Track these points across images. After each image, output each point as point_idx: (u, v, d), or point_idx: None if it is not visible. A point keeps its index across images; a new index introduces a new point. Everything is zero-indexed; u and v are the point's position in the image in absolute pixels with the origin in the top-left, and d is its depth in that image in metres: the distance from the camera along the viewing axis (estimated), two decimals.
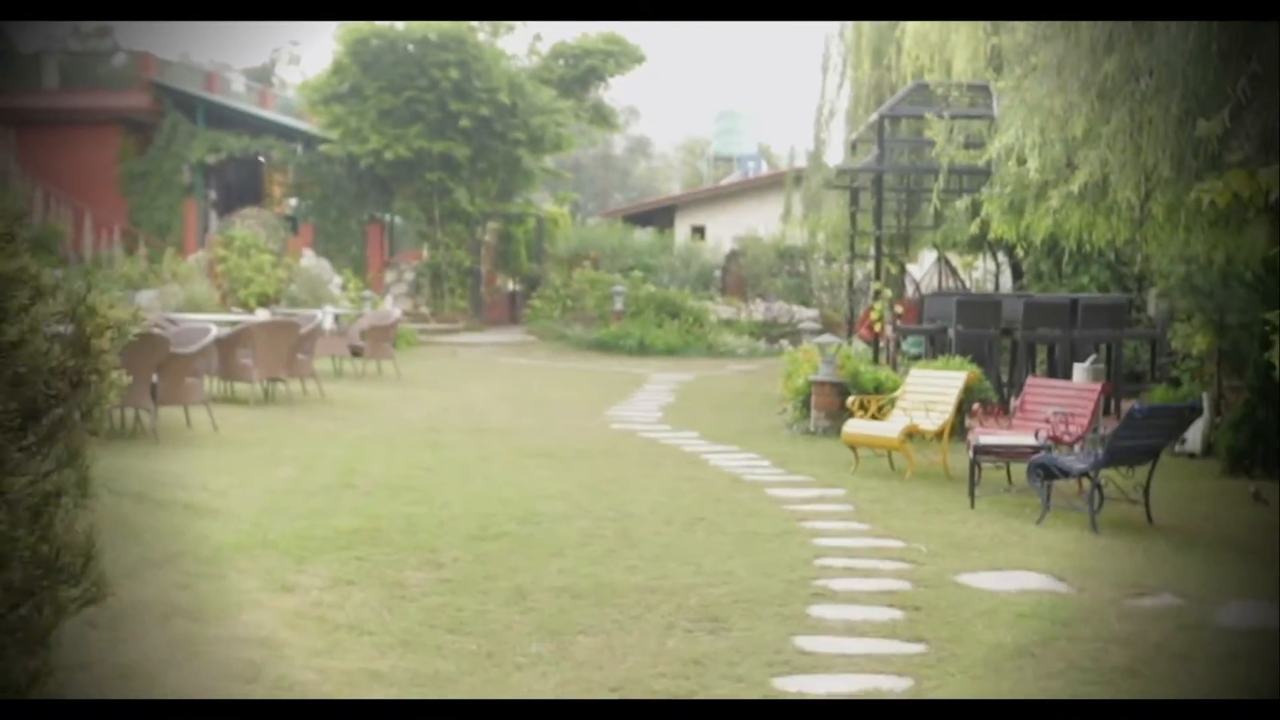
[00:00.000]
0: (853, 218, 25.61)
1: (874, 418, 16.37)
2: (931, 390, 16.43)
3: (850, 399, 17.23)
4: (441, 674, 7.35)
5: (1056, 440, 13.92)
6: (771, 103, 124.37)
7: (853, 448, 16.00)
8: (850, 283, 28.19)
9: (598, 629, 8.45)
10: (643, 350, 33.44)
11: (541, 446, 16.91)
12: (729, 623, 8.66)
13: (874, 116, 22.82)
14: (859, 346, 23.13)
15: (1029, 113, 13.13)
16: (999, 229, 16.82)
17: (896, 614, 9.00)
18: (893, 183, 23.90)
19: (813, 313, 38.19)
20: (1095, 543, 11.60)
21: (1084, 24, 11.53)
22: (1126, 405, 15.81)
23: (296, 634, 8.00)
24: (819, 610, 9.09)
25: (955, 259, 28.79)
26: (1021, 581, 10.04)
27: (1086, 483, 12.60)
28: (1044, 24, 12.68)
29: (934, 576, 10.14)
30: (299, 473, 14.12)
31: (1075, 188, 12.75)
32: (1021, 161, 13.95)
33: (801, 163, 37.73)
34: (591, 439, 18.21)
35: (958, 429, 16.05)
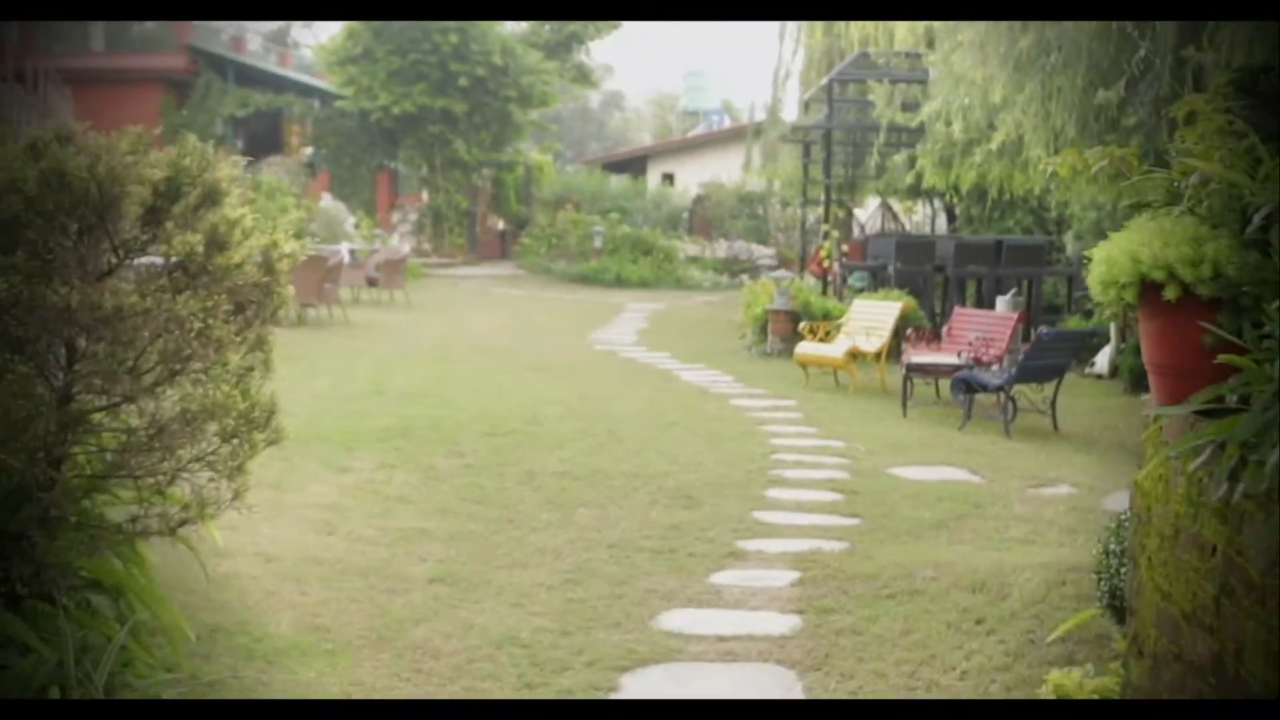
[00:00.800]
0: (805, 168, 26.26)
1: (822, 341, 17.20)
2: (872, 318, 17.25)
3: (802, 325, 18.05)
4: (475, 532, 8.28)
5: (978, 360, 14.69)
6: (734, 63, 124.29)
7: (803, 366, 16.83)
8: (803, 225, 28.74)
9: (594, 503, 9.36)
10: (619, 283, 33.93)
11: (537, 363, 17.67)
12: (700, 500, 9.57)
13: (824, 80, 23.46)
14: (810, 280, 23.72)
15: (955, 82, 13.86)
16: (931, 179, 17.56)
17: (837, 496, 9.90)
18: (840, 138, 24.43)
19: (769, 251, 38.49)
20: (1007, 445, 12.46)
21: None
22: None
23: (357, 502, 8.93)
24: (774, 492, 10.00)
25: (896, 204, 29.23)
26: (942, 474, 10.93)
27: (1002, 396, 13.50)
28: None
29: (869, 469, 11.04)
30: (336, 382, 14.93)
31: (994, 146, 13.50)
32: (949, 123, 14.66)
33: (761, 117, 37.84)
34: (579, 357, 19.01)
35: (894, 351, 16.81)
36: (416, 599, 6.77)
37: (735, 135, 44.44)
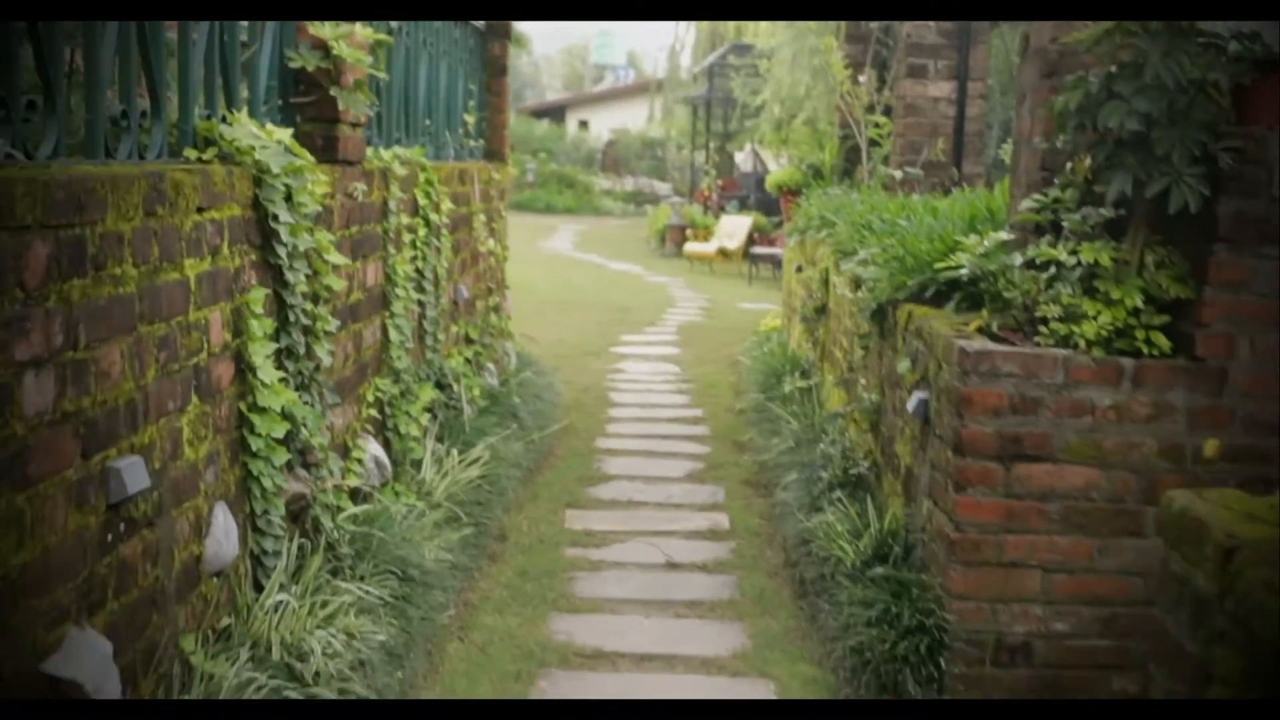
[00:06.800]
0: (694, 123, 34.13)
1: (702, 242, 25.57)
2: (734, 228, 25.57)
3: (689, 232, 26.43)
4: (530, 314, 16.59)
5: None
6: (639, 24, 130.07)
7: (690, 259, 25.25)
8: (693, 165, 35.76)
9: (581, 312, 17.67)
10: (549, 209, 40.21)
11: (513, 258, 25.71)
12: (634, 311, 17.93)
13: (707, 61, 31.49)
14: (697, 206, 31.41)
15: (776, 83, 22.21)
16: (769, 139, 25.82)
17: (703, 311, 18.34)
18: (719, 101, 32.39)
19: (668, 185, 43.94)
20: None
21: (809, 31, 20.42)
22: None
23: None
24: (671, 310, 18.42)
25: (762, 150, 36.52)
26: (762, 305, 19.15)
27: None
28: (784, 27, 21.54)
29: (723, 304, 19.45)
30: None
31: (800, 121, 21.89)
32: (775, 105, 23.02)
33: (662, 74, 44.29)
34: (539, 256, 27.02)
35: (748, 249, 25.14)
36: (519, 327, 15.15)
37: (640, 89, 51.19)
